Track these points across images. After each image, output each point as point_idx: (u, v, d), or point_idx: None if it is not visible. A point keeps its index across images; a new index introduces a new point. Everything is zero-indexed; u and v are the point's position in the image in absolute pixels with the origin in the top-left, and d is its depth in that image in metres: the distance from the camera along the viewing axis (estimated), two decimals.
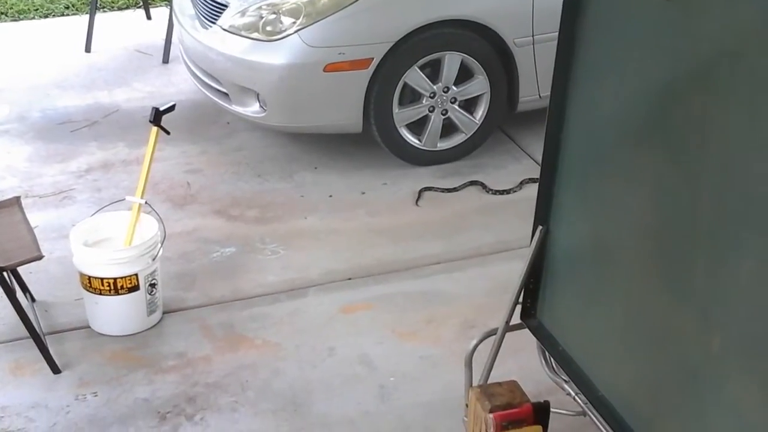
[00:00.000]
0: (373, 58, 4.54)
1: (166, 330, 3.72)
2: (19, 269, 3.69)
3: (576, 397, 2.72)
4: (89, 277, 3.60)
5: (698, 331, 2.15)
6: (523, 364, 3.17)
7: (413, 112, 4.76)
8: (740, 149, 1.99)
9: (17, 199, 3.78)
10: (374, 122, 4.72)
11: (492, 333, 2.82)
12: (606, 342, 2.55)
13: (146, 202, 3.79)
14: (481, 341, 2.82)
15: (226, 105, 4.91)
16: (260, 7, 4.69)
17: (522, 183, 4.69)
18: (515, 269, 2.79)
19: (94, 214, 3.92)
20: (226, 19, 4.78)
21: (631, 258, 2.39)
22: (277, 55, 4.58)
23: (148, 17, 6.96)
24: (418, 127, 4.82)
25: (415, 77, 4.67)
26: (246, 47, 4.67)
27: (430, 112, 4.77)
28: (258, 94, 4.71)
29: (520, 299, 2.80)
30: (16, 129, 5.38)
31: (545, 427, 2.65)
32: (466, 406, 2.80)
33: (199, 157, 5.05)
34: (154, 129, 3.78)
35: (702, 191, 2.11)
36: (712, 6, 2.04)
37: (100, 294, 3.60)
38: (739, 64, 1.97)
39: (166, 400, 3.36)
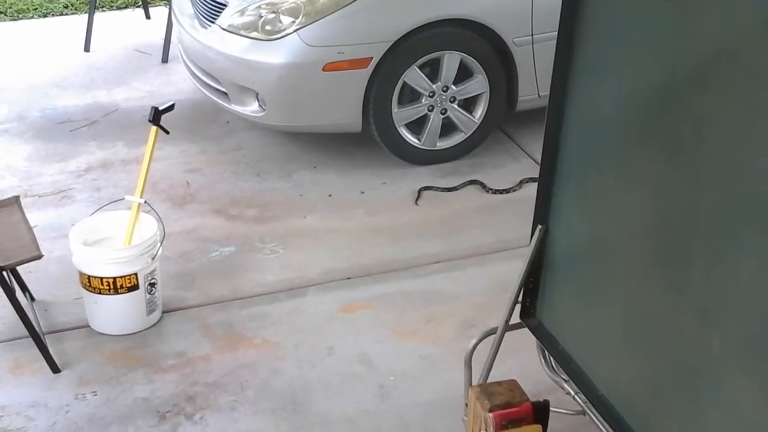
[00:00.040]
0: (372, 58, 4.54)
1: (166, 329, 3.72)
2: (19, 268, 3.69)
3: (575, 396, 2.73)
4: (89, 277, 3.60)
5: (698, 331, 2.15)
6: (523, 363, 3.17)
7: (412, 112, 4.76)
8: (739, 148, 1.99)
9: (16, 198, 3.78)
10: (373, 121, 4.72)
11: (491, 332, 2.82)
12: (605, 341, 2.55)
13: (145, 202, 3.79)
14: (480, 340, 2.82)
15: (226, 104, 4.91)
16: (259, 7, 4.69)
17: (521, 182, 4.69)
18: (514, 268, 2.79)
19: (93, 213, 3.92)
20: (225, 18, 4.78)
21: (630, 257, 2.39)
22: (276, 55, 4.58)
23: (147, 16, 6.96)
24: (417, 126, 4.82)
25: (415, 76, 4.67)
26: (245, 46, 4.67)
27: (429, 111, 4.77)
28: (257, 94, 4.71)
29: (520, 298, 2.80)
30: (15, 128, 5.38)
31: (545, 426, 2.66)
32: (466, 405, 2.80)
33: (199, 156, 5.05)
34: (154, 128, 3.78)
35: (701, 190, 2.11)
36: (710, 5, 2.04)
37: (100, 293, 3.61)
38: (738, 63, 1.98)
39: (165, 400, 3.36)
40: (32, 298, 3.83)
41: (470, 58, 4.70)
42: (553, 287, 2.75)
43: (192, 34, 5.00)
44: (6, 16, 7.07)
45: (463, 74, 4.75)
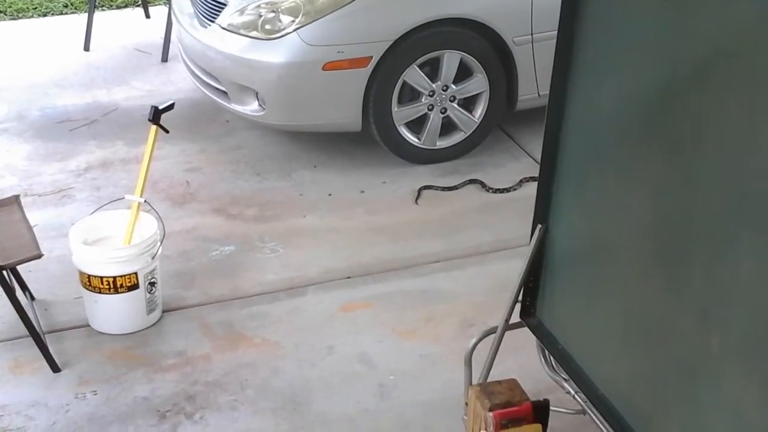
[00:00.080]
0: (372, 57, 4.54)
1: (166, 329, 3.73)
2: (19, 268, 3.69)
3: (575, 396, 2.73)
4: (89, 276, 3.60)
5: (697, 331, 2.15)
6: (523, 362, 3.17)
7: (412, 111, 4.76)
8: (738, 148, 1.99)
9: (16, 197, 3.78)
10: (373, 121, 4.72)
11: (491, 331, 2.82)
12: (605, 340, 2.55)
13: (145, 201, 3.79)
14: (480, 340, 2.82)
15: (225, 103, 4.91)
16: (259, 6, 4.69)
17: (521, 181, 4.69)
18: (514, 268, 2.79)
19: (93, 212, 3.92)
20: (225, 17, 4.78)
21: (630, 257, 2.40)
22: (276, 54, 4.58)
23: (147, 16, 6.97)
24: (417, 125, 4.82)
25: (414, 76, 4.67)
26: (245, 46, 4.67)
27: (429, 110, 4.78)
28: (257, 93, 4.71)
29: (520, 298, 2.80)
30: (15, 128, 5.38)
31: (545, 425, 2.66)
32: (466, 404, 2.80)
33: (198, 155, 5.05)
34: (153, 127, 3.78)
35: (701, 190, 2.11)
36: (709, 5, 2.04)
37: (100, 292, 3.61)
38: (736, 63, 1.98)
39: (165, 399, 3.36)
40: (32, 298, 3.83)
41: (470, 57, 4.70)
42: (553, 287, 2.75)
43: (192, 34, 5.00)
44: (6, 15, 7.07)
45: (463, 73, 4.75)
